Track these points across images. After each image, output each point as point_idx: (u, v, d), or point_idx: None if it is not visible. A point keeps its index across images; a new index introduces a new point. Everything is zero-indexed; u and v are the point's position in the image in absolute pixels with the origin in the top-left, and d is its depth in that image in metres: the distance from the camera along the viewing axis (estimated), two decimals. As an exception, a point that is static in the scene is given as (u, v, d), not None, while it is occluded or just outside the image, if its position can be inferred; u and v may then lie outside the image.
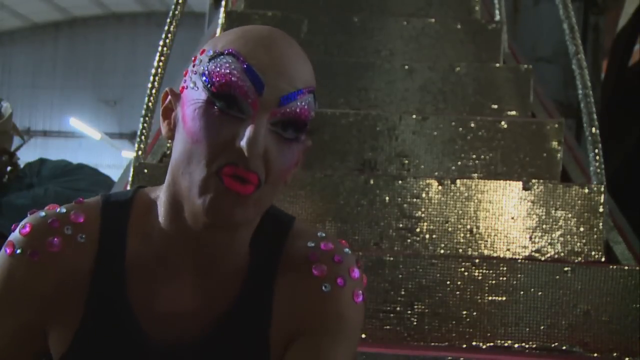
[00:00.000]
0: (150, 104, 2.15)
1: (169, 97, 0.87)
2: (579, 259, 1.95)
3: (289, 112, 0.80)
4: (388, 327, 1.76)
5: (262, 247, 0.90)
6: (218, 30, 2.91)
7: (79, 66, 16.88)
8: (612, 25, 4.64)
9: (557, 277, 1.78)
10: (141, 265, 0.87)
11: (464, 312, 1.77)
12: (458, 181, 1.99)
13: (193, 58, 0.85)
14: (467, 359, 1.66)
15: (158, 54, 2.22)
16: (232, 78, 0.79)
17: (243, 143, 0.77)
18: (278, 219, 0.93)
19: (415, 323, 1.77)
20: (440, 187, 1.99)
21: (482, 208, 1.98)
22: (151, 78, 2.18)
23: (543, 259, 1.95)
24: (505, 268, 1.78)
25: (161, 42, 2.25)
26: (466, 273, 1.78)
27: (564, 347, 1.75)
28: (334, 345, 0.86)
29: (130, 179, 2.06)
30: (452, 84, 2.52)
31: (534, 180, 2.02)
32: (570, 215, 1.97)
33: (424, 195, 1.99)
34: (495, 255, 1.96)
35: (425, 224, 1.98)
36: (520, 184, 1.99)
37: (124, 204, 0.90)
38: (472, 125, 2.23)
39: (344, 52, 2.75)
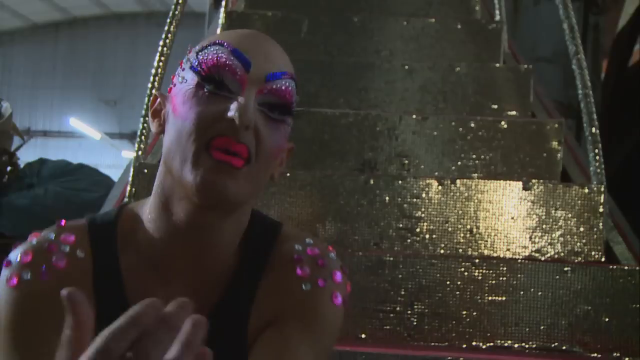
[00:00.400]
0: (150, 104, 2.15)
1: (158, 99, 0.90)
2: (579, 259, 1.95)
3: (275, 90, 0.83)
4: (388, 327, 1.76)
5: (249, 251, 0.91)
6: (218, 30, 2.91)
7: (79, 66, 16.88)
8: (612, 25, 4.64)
9: (557, 277, 1.78)
10: (136, 275, 0.88)
11: (464, 312, 1.77)
12: (458, 181, 1.99)
13: (180, 62, 0.88)
14: (467, 359, 1.66)
15: (158, 54, 2.22)
16: (221, 59, 0.82)
17: (232, 112, 0.79)
18: (266, 224, 0.95)
19: (415, 323, 1.77)
20: (440, 187, 1.99)
21: (482, 208, 1.98)
22: (151, 78, 2.18)
23: (543, 259, 1.95)
24: (505, 268, 1.78)
25: (161, 42, 2.25)
26: (466, 273, 1.78)
27: (564, 347, 1.75)
28: (304, 340, 0.86)
29: (130, 179, 2.06)
30: (452, 84, 2.52)
31: (534, 180, 2.02)
32: (570, 215, 1.97)
33: (424, 195, 1.99)
34: (495, 255, 1.96)
35: (425, 224, 1.98)
36: (520, 184, 1.99)
37: (110, 222, 0.91)
38: (472, 125, 2.23)
39: (344, 52, 2.75)
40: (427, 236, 1.97)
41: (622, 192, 2.78)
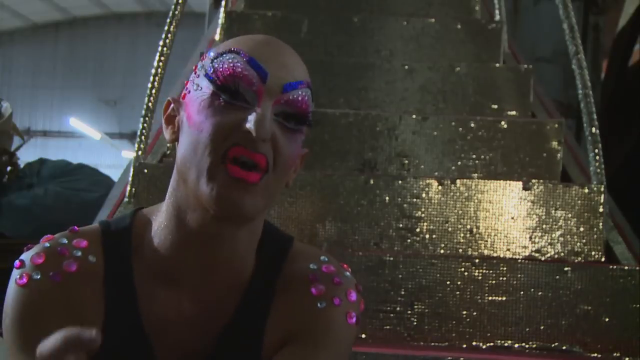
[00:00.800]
0: (150, 104, 2.15)
1: (172, 105, 0.89)
2: (579, 259, 1.95)
3: (292, 100, 0.82)
4: (388, 327, 1.76)
5: (262, 266, 0.90)
6: (218, 30, 2.91)
7: (79, 66, 16.87)
8: (612, 25, 4.64)
9: (557, 277, 1.78)
10: (148, 284, 0.87)
11: (464, 312, 1.77)
12: (458, 181, 1.99)
13: (194, 67, 0.87)
14: (467, 359, 1.66)
15: (158, 54, 2.22)
16: (237, 69, 0.81)
17: (250, 125, 0.79)
18: (277, 238, 0.94)
19: (415, 323, 1.77)
20: (440, 187, 1.99)
21: (482, 208, 1.98)
22: (151, 78, 2.18)
23: (543, 259, 1.95)
24: (505, 268, 1.78)
25: (161, 42, 2.25)
26: (466, 273, 1.78)
27: (564, 347, 1.75)
28: (319, 359, 0.86)
29: (130, 179, 2.06)
30: (452, 84, 2.52)
31: (534, 180, 2.02)
32: (570, 215, 1.97)
33: (424, 195, 1.99)
34: (495, 255, 1.96)
35: (425, 224, 1.98)
36: (520, 184, 1.99)
37: (125, 228, 0.90)
38: (472, 125, 2.23)
39: (344, 52, 2.75)
40: (427, 236, 1.97)
41: (622, 192, 2.78)
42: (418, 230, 1.97)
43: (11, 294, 0.84)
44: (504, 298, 1.77)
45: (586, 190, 1.98)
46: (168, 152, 2.29)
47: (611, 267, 1.80)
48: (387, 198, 1.98)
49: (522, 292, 1.77)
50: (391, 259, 1.80)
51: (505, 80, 2.52)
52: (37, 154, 5.15)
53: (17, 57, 17.09)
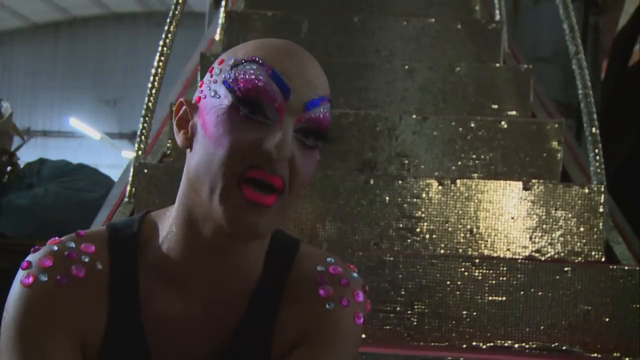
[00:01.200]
0: (150, 104, 2.15)
1: (184, 107, 0.86)
2: (579, 259, 1.95)
3: (313, 118, 0.81)
4: (388, 327, 1.76)
5: (270, 270, 0.90)
6: (218, 30, 2.91)
7: (79, 66, 16.87)
8: (612, 25, 4.64)
9: (557, 277, 1.78)
10: (154, 291, 0.87)
11: (464, 312, 1.77)
12: (458, 181, 1.99)
13: (210, 68, 0.84)
14: (467, 359, 1.66)
15: (158, 54, 2.22)
16: (259, 83, 0.78)
17: (271, 146, 0.76)
18: (284, 241, 0.93)
19: (415, 323, 1.77)
20: (440, 187, 1.99)
21: (482, 208, 1.98)
22: (151, 78, 2.18)
23: (543, 259, 1.95)
24: (505, 268, 1.78)
25: (161, 42, 2.25)
26: (466, 273, 1.78)
27: (564, 347, 1.75)
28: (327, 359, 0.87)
29: (130, 179, 2.06)
30: (452, 84, 2.52)
31: (534, 180, 2.02)
32: (570, 215, 1.97)
33: (424, 195, 1.99)
34: (495, 255, 1.96)
35: (425, 224, 1.98)
36: (520, 184, 1.99)
37: (133, 234, 0.89)
38: (472, 125, 2.23)
39: (344, 52, 2.75)
40: (427, 236, 1.97)
41: (622, 192, 2.79)
42: (418, 230, 1.97)
43: (15, 293, 0.84)
44: (504, 298, 1.77)
45: (586, 190, 1.98)
46: (168, 152, 2.29)
47: (611, 267, 1.80)
48: (387, 198, 1.98)
49: (522, 292, 1.77)
50: (391, 259, 1.80)
51: (505, 80, 2.52)
52: (37, 154, 5.15)
53: (17, 57, 17.09)
